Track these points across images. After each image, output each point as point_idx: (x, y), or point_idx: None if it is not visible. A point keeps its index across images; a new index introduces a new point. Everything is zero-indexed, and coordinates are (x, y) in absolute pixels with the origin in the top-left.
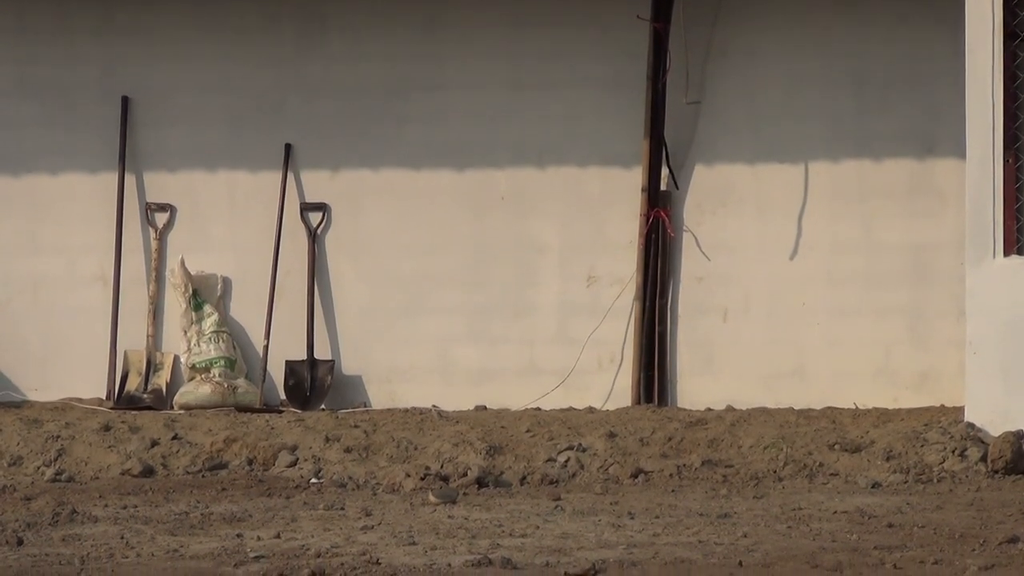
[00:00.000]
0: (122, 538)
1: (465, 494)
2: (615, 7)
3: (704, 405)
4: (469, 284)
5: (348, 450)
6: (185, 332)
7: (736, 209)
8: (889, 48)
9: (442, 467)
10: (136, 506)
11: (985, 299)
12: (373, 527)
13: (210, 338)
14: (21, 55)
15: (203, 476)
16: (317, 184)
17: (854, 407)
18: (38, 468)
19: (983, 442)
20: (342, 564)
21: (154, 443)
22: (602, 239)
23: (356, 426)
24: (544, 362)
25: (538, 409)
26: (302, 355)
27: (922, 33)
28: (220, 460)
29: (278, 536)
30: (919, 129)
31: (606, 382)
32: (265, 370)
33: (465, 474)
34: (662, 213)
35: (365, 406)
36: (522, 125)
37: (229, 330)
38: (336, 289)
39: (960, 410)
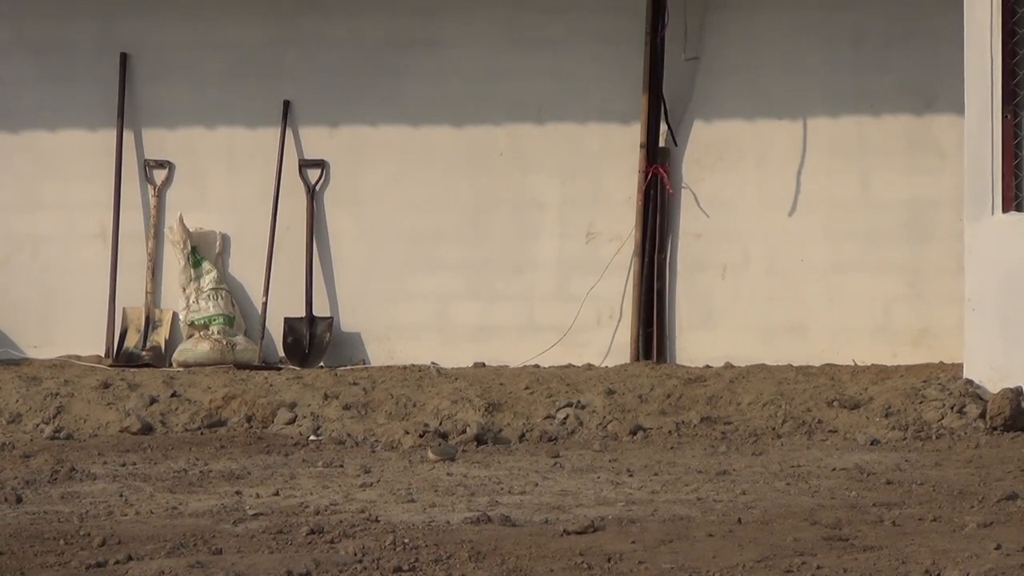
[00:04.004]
0: (121, 495)
1: (464, 451)
2: None
3: (703, 362)
4: (468, 241)
5: (347, 407)
6: (184, 289)
7: (735, 165)
8: (889, 2)
9: (441, 424)
10: (135, 463)
11: (984, 255)
12: (372, 484)
13: (209, 295)
14: (19, 11)
15: (202, 433)
16: (316, 141)
17: (853, 364)
18: (37, 425)
19: (982, 399)
20: (341, 521)
21: (153, 400)
22: (601, 195)
23: (355, 383)
24: (543, 318)
25: (537, 366)
26: (301, 312)
27: None
28: (219, 417)
29: (277, 493)
30: (918, 84)
31: (605, 339)
32: (264, 327)
33: (464, 431)
34: (661, 169)
35: (364, 363)
36: (521, 81)
37: (228, 287)
38: (335, 246)
39: (959, 366)
